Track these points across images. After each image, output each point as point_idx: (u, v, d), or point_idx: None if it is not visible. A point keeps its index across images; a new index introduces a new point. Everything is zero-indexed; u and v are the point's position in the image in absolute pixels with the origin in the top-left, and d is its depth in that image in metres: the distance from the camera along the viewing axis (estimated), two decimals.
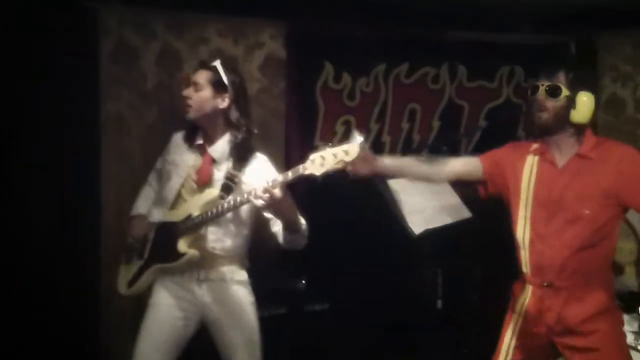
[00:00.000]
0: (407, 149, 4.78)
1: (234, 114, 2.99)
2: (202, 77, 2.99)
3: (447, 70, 4.84)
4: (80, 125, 4.01)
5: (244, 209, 2.96)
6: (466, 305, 4.21)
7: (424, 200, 3.76)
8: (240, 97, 3.03)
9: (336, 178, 4.54)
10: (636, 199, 2.65)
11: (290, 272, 4.15)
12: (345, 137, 4.61)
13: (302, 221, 2.90)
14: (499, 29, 4.85)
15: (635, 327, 3.56)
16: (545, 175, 2.77)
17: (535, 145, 2.84)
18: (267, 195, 2.61)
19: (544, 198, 2.73)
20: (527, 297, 2.78)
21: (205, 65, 3.06)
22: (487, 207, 3.54)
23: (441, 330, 4.11)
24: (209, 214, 2.87)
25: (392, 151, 4.78)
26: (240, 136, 2.98)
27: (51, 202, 3.92)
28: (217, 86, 2.98)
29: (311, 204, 4.45)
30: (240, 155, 2.98)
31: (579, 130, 2.72)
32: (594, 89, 4.81)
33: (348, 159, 2.54)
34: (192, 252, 2.90)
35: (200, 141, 3.04)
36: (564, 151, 2.76)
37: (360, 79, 4.66)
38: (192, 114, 2.98)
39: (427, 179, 3.14)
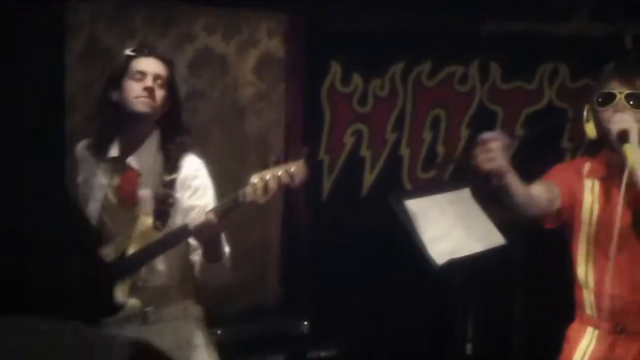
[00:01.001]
0: (430, 164, 4.62)
1: (178, 118, 2.90)
2: (161, 69, 2.84)
3: (477, 69, 4.67)
4: (41, 139, 3.89)
5: (173, 225, 2.81)
6: (502, 350, 4.05)
7: (448, 224, 3.57)
8: (176, 96, 2.92)
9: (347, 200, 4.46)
10: None
11: (292, 313, 4.03)
12: (356, 150, 4.65)
13: (226, 249, 2.76)
14: (540, 19, 4.63)
15: None
16: (612, 203, 2.66)
17: (588, 165, 2.77)
18: (206, 226, 2.55)
19: (610, 231, 2.64)
20: (591, 344, 2.71)
21: (163, 57, 2.92)
22: (529, 232, 3.37)
23: None
24: (147, 252, 2.71)
25: (412, 166, 4.61)
26: (175, 140, 2.84)
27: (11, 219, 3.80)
28: (170, 83, 2.87)
29: (317, 231, 4.42)
30: (173, 164, 2.82)
31: None
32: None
33: (294, 183, 2.52)
34: (134, 303, 2.75)
35: (114, 153, 2.86)
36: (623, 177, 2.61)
37: (374, 81, 4.52)
38: (149, 109, 2.80)
39: (528, 204, 2.83)
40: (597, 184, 2.72)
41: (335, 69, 4.44)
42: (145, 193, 2.81)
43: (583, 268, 2.73)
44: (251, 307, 4.16)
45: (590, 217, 2.71)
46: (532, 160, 4.72)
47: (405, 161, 4.60)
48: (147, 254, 2.72)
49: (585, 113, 2.72)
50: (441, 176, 4.59)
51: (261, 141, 4.33)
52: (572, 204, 2.75)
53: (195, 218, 2.57)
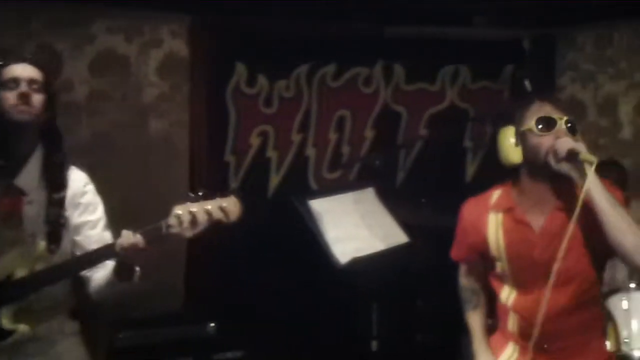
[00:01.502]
0: (336, 164, 4.63)
1: (54, 125, 2.66)
2: (35, 73, 2.62)
3: (381, 71, 4.72)
4: None
5: (66, 245, 2.64)
6: (407, 347, 4.08)
7: (352, 223, 3.62)
8: (57, 104, 2.71)
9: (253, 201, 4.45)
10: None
11: (198, 316, 3.95)
12: (262, 151, 4.64)
13: (137, 267, 2.60)
14: (441, 23, 4.72)
15: None
16: (516, 236, 2.62)
17: (497, 196, 2.67)
18: (133, 249, 2.39)
19: (520, 261, 2.61)
20: (513, 356, 2.70)
21: (35, 61, 2.68)
22: (433, 230, 3.42)
23: None
24: (52, 275, 2.54)
25: (318, 167, 4.62)
26: (58, 155, 2.64)
27: None
28: (48, 88, 2.65)
29: (223, 233, 4.37)
30: (58, 182, 2.63)
31: None
32: (551, 89, 4.96)
33: (228, 220, 2.34)
34: (22, 329, 2.54)
35: None
36: (546, 202, 2.58)
37: (279, 82, 4.51)
38: (28, 116, 2.57)
39: None
40: (500, 217, 2.64)
41: (240, 70, 4.42)
42: (32, 214, 2.62)
43: (505, 294, 2.68)
44: (158, 312, 4.09)
45: (499, 248, 2.65)
46: (436, 160, 4.88)
47: (312, 162, 4.61)
48: (52, 276, 2.55)
49: (507, 134, 2.59)
50: (347, 176, 4.61)
51: (165, 143, 4.27)
52: (482, 242, 2.68)
53: (123, 240, 2.42)
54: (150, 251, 2.41)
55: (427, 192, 4.41)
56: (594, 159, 2.37)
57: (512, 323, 2.69)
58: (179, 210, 2.32)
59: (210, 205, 2.32)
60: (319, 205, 3.61)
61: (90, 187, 2.71)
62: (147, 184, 4.18)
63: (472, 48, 4.83)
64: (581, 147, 2.42)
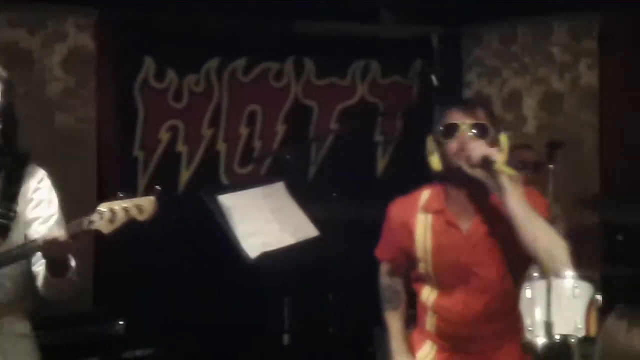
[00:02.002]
0: (247, 159, 4.61)
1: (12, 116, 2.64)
2: None
3: (292, 66, 4.72)
4: None
5: (16, 239, 2.59)
6: (319, 340, 4.07)
7: (262, 218, 3.61)
8: (10, 96, 2.75)
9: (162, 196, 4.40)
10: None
11: (107, 314, 3.89)
12: (172, 146, 4.60)
13: (72, 263, 2.61)
14: (351, 19, 4.75)
15: None
16: (444, 239, 2.64)
17: (426, 196, 2.70)
18: (55, 243, 2.41)
19: (445, 261, 2.65)
20: (429, 355, 2.74)
21: None
22: (345, 225, 3.44)
23: None
24: None
25: (229, 161, 4.60)
26: (11, 150, 2.63)
27: None
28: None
29: (131, 229, 4.31)
30: (12, 176, 2.63)
31: None
32: (459, 85, 5.06)
33: (141, 217, 2.43)
34: None
35: None
36: (471, 206, 2.62)
37: (189, 77, 4.46)
38: None
39: None
40: (430, 218, 2.67)
41: (149, 64, 4.35)
42: None
43: (426, 294, 2.72)
44: (66, 311, 4.00)
45: (425, 249, 2.67)
46: (347, 154, 4.92)
47: (222, 157, 4.58)
48: None
49: (428, 145, 2.63)
50: (258, 171, 4.60)
51: (72, 138, 4.18)
52: (409, 242, 2.71)
53: (45, 235, 2.45)
54: (72, 247, 2.44)
55: (338, 187, 4.43)
56: (509, 171, 2.43)
57: (430, 323, 2.73)
58: (102, 207, 2.40)
59: (128, 203, 2.41)
60: (228, 200, 3.59)
61: (46, 184, 2.71)
62: (53, 180, 4.08)
63: (382, 44, 4.89)
64: (494, 154, 2.44)
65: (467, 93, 5.06)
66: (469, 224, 2.61)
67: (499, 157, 2.45)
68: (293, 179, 3.91)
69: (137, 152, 4.37)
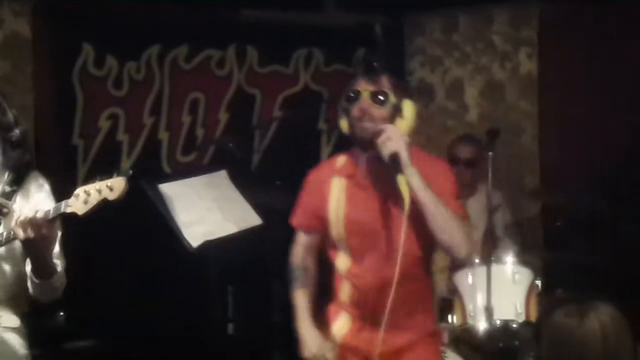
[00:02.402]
0: (190, 147, 4.58)
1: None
2: None
3: (234, 54, 4.68)
4: None
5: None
6: (263, 328, 4.06)
7: (204, 206, 3.58)
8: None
9: None
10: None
11: (47, 305, 3.83)
12: (112, 134, 4.52)
13: (59, 268, 2.67)
14: (296, 6, 4.74)
15: (444, 338, 3.65)
16: (356, 201, 2.70)
17: (341, 161, 2.76)
18: (28, 227, 2.43)
19: (359, 226, 2.70)
20: (345, 327, 2.78)
21: None
22: (289, 213, 3.42)
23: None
24: None
25: (172, 150, 4.56)
26: (20, 156, 2.71)
27: None
28: None
29: (70, 222, 4.26)
30: (16, 178, 2.70)
31: None
32: (402, 73, 5.08)
33: (112, 196, 2.46)
34: None
35: None
36: (379, 173, 2.67)
37: (129, 64, 4.41)
38: None
39: None
40: (343, 182, 2.74)
41: (88, 50, 4.30)
42: None
43: (341, 260, 2.76)
44: None
45: (337, 212, 2.72)
46: (290, 141, 4.91)
47: (165, 145, 4.55)
48: None
49: (339, 110, 2.73)
50: (201, 159, 4.57)
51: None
52: (323, 206, 2.75)
53: (20, 217, 2.46)
54: (51, 236, 2.50)
55: (282, 175, 4.44)
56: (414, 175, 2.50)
57: (344, 292, 2.78)
58: (78, 191, 2.44)
59: (100, 185, 2.45)
60: (169, 189, 3.56)
61: (45, 189, 2.78)
62: None
63: (326, 32, 4.87)
64: (403, 152, 2.50)
65: (410, 81, 5.09)
66: (379, 187, 2.67)
67: (406, 153, 2.51)
68: (236, 168, 3.90)
69: (77, 141, 4.31)
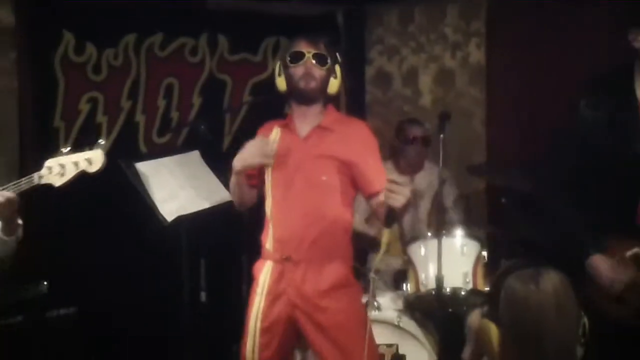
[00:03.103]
0: (165, 129, 4.54)
1: None
2: None
3: (206, 42, 4.64)
4: None
5: None
6: (233, 297, 4.06)
7: (177, 184, 3.56)
8: None
9: None
10: (364, 177, 2.83)
11: (30, 276, 3.79)
12: (92, 117, 4.46)
13: (20, 220, 2.68)
14: None
15: (399, 305, 3.69)
16: (286, 145, 2.85)
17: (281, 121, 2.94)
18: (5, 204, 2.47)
19: (284, 167, 2.83)
20: (267, 275, 2.84)
21: None
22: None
23: (208, 325, 3.98)
24: None
25: (148, 131, 4.52)
26: None
27: None
28: None
29: (53, 197, 4.23)
30: None
31: (326, 102, 2.89)
32: (362, 62, 5.08)
33: (92, 169, 2.50)
34: None
35: None
36: (309, 121, 2.86)
37: (107, 51, 4.34)
38: None
39: None
40: (279, 132, 2.89)
41: (68, 38, 4.22)
42: None
43: (269, 205, 2.87)
44: None
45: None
46: (259, 123, 4.87)
47: (141, 127, 4.50)
48: None
49: (277, 69, 2.89)
50: (176, 140, 4.53)
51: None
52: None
53: None
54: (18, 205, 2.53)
55: None
56: None
57: (269, 242, 2.87)
58: (49, 162, 2.46)
59: (77, 157, 2.47)
60: (145, 168, 3.53)
61: None
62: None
63: (292, 22, 4.81)
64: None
65: (369, 69, 5.10)
66: (307, 131, 2.85)
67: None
68: (208, 149, 3.88)
69: (58, 123, 4.25)
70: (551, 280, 2.17)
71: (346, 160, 2.81)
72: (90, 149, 2.50)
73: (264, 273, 2.85)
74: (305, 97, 2.83)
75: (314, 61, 2.78)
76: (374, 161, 2.87)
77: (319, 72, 2.79)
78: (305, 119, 2.87)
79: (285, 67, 2.84)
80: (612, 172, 2.76)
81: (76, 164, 2.46)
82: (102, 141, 2.56)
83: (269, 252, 2.86)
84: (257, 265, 2.92)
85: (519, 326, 2.18)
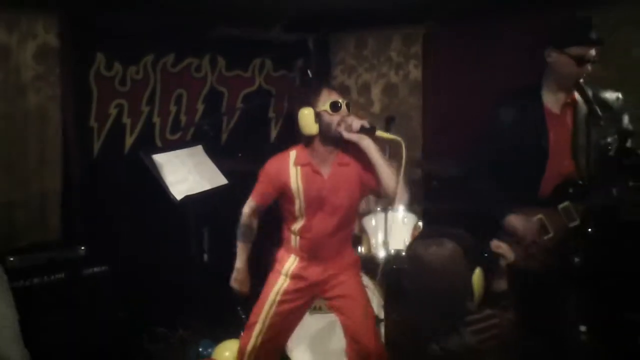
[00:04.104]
0: (176, 128, 4.48)
1: None
2: None
3: (208, 61, 4.59)
4: None
5: None
6: (229, 257, 4.06)
7: (186, 171, 3.56)
8: None
9: (113, 156, 4.23)
10: (371, 182, 2.78)
11: (71, 243, 3.74)
12: (119, 119, 4.36)
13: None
14: (253, 27, 4.67)
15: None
16: (312, 182, 2.75)
17: (294, 155, 2.80)
18: None
19: (313, 197, 2.75)
20: (294, 264, 2.83)
21: None
22: (246, 175, 3.41)
23: (209, 281, 3.96)
24: None
25: (162, 130, 4.46)
26: None
27: None
28: None
29: (90, 181, 4.17)
30: None
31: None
32: (328, 78, 5.07)
33: None
34: None
35: None
36: (330, 160, 2.77)
37: (131, 67, 4.27)
38: None
39: None
40: (299, 169, 2.77)
41: (100, 58, 4.14)
42: None
43: (295, 224, 2.82)
44: (38, 241, 3.84)
45: (298, 191, 2.76)
46: (249, 125, 4.88)
47: (157, 127, 4.44)
48: None
49: (307, 117, 2.70)
50: (184, 137, 4.50)
51: (42, 111, 3.94)
52: (282, 187, 2.79)
53: None
54: None
55: (243, 149, 4.45)
56: (387, 135, 2.67)
57: (294, 242, 2.84)
58: None
59: None
60: (160, 159, 3.52)
61: None
62: (26, 146, 3.90)
63: (274, 46, 4.83)
64: (367, 124, 2.67)
65: (334, 83, 5.10)
66: (328, 171, 2.71)
67: (367, 124, 2.66)
68: (210, 143, 3.87)
69: (93, 123, 4.18)
70: (447, 247, 2.19)
71: (358, 181, 2.79)
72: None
73: (290, 262, 2.85)
74: (339, 140, 2.73)
75: (345, 108, 2.71)
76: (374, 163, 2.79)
77: (346, 116, 2.71)
78: (327, 158, 2.76)
79: (319, 114, 2.69)
80: (523, 159, 2.77)
81: None
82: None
83: (294, 249, 2.84)
84: (281, 254, 2.90)
85: (418, 279, 2.21)
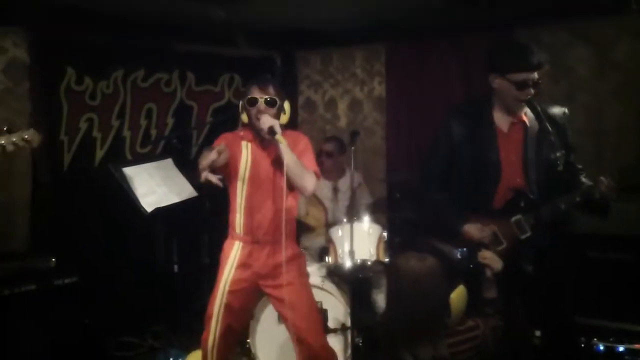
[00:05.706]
0: (146, 142, 4.46)
1: None
2: None
3: (178, 76, 4.59)
4: None
5: None
6: (198, 268, 4.02)
7: (155, 183, 3.52)
8: None
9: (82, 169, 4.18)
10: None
11: (40, 253, 3.68)
12: (89, 133, 4.31)
13: None
14: (221, 43, 4.68)
15: (322, 272, 3.73)
16: (257, 158, 2.81)
17: (241, 133, 2.87)
18: None
19: (256, 175, 2.78)
20: (237, 252, 2.81)
21: None
22: (216, 189, 3.42)
23: (180, 290, 3.94)
24: None
25: (133, 144, 4.43)
26: None
27: None
28: None
29: (60, 193, 4.12)
30: None
31: None
32: (295, 93, 5.12)
33: (31, 146, 2.38)
34: None
35: None
36: (267, 139, 2.79)
37: (101, 82, 4.24)
38: None
39: None
40: (249, 145, 2.85)
41: (70, 72, 4.11)
42: None
43: (238, 200, 2.83)
44: (5, 251, 3.78)
45: (245, 166, 2.81)
46: (218, 134, 4.85)
47: (128, 140, 4.41)
48: None
49: (240, 107, 2.84)
50: (154, 150, 4.47)
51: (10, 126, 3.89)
52: (234, 158, 2.84)
53: None
54: None
55: None
56: (282, 140, 2.66)
57: (238, 225, 2.83)
58: None
59: (15, 137, 2.29)
60: (130, 171, 3.46)
61: None
62: None
63: (243, 62, 4.85)
64: (277, 126, 2.67)
65: (300, 98, 5.13)
66: (268, 146, 2.82)
67: (277, 126, 2.68)
68: (179, 156, 3.85)
69: (63, 137, 4.14)
70: (426, 264, 2.25)
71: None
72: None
73: (234, 250, 2.83)
74: (261, 132, 2.77)
75: (265, 104, 2.74)
76: (309, 155, 2.85)
77: (269, 111, 2.73)
78: (265, 142, 2.82)
79: (244, 107, 2.80)
80: (475, 173, 2.80)
81: (15, 143, 2.29)
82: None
83: (239, 235, 2.83)
84: (227, 244, 2.89)
85: (395, 290, 2.25)
